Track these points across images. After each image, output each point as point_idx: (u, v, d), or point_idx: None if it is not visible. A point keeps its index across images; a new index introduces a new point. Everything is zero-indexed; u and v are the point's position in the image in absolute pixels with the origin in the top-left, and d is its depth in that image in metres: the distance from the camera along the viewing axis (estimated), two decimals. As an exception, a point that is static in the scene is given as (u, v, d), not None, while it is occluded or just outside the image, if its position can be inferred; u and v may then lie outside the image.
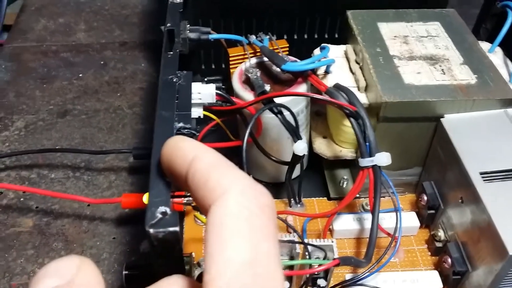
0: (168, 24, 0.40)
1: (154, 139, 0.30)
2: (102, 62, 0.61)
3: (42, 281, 0.16)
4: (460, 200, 0.34)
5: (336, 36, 0.53)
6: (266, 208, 0.17)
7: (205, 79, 0.51)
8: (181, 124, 0.32)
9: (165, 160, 0.20)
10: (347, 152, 0.42)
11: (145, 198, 0.26)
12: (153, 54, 0.62)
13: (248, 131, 0.34)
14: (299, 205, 0.41)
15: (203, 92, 0.36)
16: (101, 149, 0.49)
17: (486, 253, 0.30)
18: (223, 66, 0.52)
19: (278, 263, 0.16)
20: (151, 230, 0.24)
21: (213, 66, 0.54)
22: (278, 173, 0.42)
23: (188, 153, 0.19)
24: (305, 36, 0.53)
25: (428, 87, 0.36)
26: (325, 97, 0.36)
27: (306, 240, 0.36)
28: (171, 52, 0.37)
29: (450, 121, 0.36)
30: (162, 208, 0.25)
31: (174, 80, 0.35)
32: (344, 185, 0.43)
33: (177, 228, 0.24)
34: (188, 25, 0.42)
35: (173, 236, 0.24)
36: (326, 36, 0.53)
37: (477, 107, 0.36)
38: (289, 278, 0.33)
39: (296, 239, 0.33)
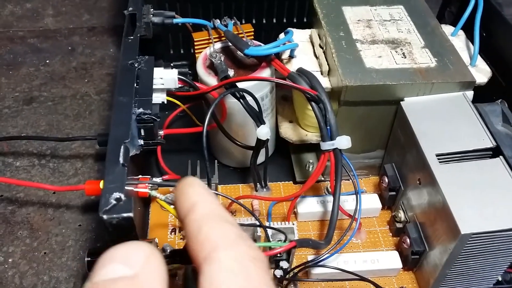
0: (130, 8, 0.40)
1: (112, 125, 0.30)
2: (69, 48, 0.60)
3: (108, 265, 0.16)
4: (418, 182, 0.34)
5: (305, 20, 0.53)
6: (257, 261, 0.17)
7: (171, 64, 0.51)
8: (140, 110, 0.32)
9: (175, 204, 0.20)
10: (312, 136, 0.42)
11: (102, 184, 0.26)
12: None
13: (208, 117, 0.34)
14: (265, 189, 0.42)
15: (165, 78, 0.36)
16: (67, 136, 0.48)
17: (441, 233, 0.31)
18: (192, 50, 0.52)
19: None
20: (105, 216, 0.24)
21: (182, 51, 0.53)
22: (245, 158, 0.42)
23: (189, 199, 0.19)
24: (274, 21, 0.53)
25: (388, 70, 0.37)
26: (287, 81, 0.36)
27: (270, 224, 0.37)
28: (132, 37, 0.37)
29: (410, 104, 0.36)
30: (116, 194, 0.25)
31: (135, 65, 0.34)
32: (310, 169, 0.43)
33: (131, 214, 0.24)
34: (152, 9, 0.41)
35: (127, 222, 0.24)
36: (295, 20, 0.53)
37: (436, 90, 0.37)
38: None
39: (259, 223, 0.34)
